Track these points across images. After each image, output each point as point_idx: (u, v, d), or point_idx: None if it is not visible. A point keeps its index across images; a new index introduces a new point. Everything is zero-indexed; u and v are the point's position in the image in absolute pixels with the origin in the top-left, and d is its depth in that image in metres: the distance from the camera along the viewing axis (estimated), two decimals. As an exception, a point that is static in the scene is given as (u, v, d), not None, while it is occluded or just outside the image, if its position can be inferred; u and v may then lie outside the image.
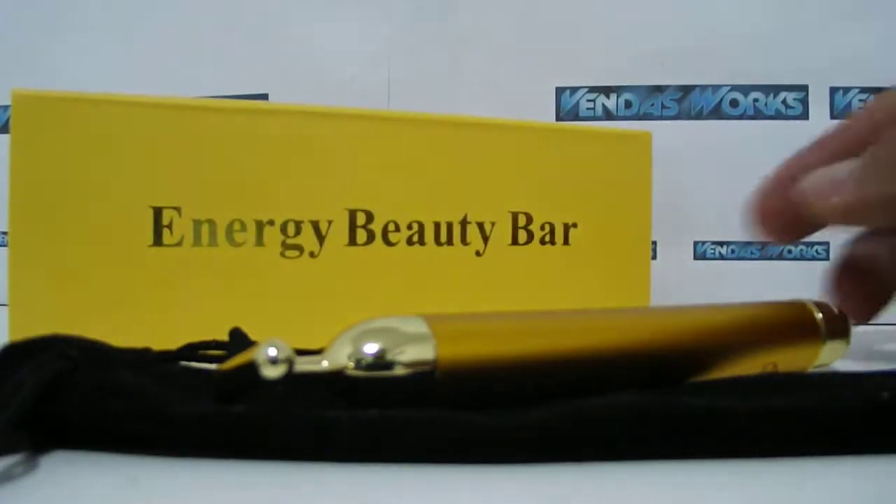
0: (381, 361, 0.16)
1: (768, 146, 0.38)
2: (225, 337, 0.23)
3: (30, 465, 0.15)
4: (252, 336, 0.26)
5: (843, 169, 0.24)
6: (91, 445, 0.16)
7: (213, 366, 0.19)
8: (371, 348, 0.16)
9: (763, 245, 0.38)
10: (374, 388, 0.16)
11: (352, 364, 0.16)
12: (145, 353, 0.20)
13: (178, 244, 0.28)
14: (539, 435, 0.16)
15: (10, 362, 0.16)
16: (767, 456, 0.16)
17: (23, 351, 0.17)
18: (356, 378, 0.16)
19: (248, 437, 0.16)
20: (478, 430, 0.16)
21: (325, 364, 0.17)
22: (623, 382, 0.18)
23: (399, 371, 0.16)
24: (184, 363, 0.21)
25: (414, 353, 0.17)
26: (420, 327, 0.17)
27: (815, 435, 0.16)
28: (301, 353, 0.24)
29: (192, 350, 0.22)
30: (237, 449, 0.16)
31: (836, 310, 0.25)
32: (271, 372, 0.16)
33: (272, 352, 0.16)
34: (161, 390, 0.16)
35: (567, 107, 0.44)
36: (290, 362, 0.16)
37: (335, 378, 0.16)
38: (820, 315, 0.24)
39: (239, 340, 0.24)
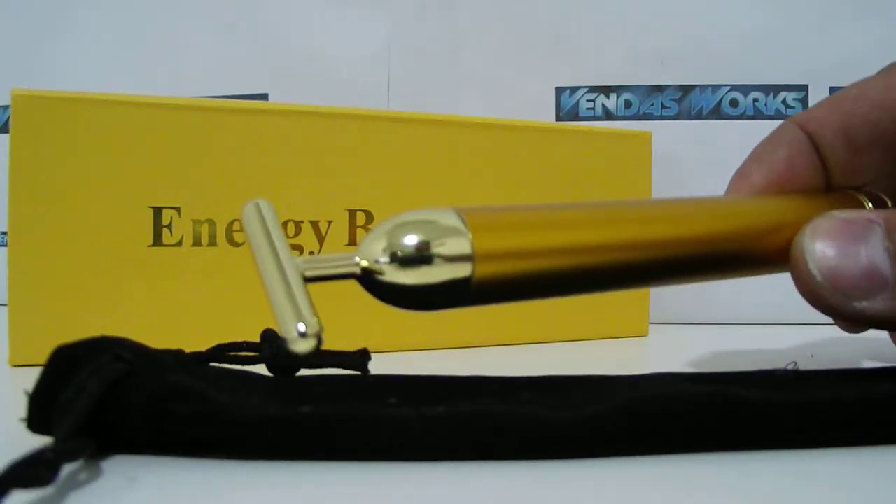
0: (421, 254, 0.16)
1: (768, 146, 0.38)
2: (227, 338, 0.23)
3: (94, 470, 0.15)
4: (256, 337, 0.25)
5: (859, 233, 0.18)
6: (154, 450, 0.16)
7: (245, 367, 0.18)
8: (411, 240, 0.16)
9: None
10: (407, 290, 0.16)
11: (386, 259, 0.16)
12: (180, 354, 0.20)
13: (178, 244, 0.28)
14: (591, 430, 0.16)
15: (63, 366, 0.16)
16: (819, 446, 0.16)
17: (74, 354, 0.16)
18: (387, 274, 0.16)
19: (318, 437, 0.15)
20: (544, 428, 0.16)
21: (357, 260, 0.16)
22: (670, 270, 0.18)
23: (438, 266, 0.16)
24: (215, 365, 0.21)
25: (453, 246, 0.16)
26: (453, 220, 0.16)
27: (864, 426, 0.17)
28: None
29: (223, 351, 0.22)
30: (306, 449, 0.15)
31: (889, 202, 0.22)
32: (301, 346, 0.15)
33: (301, 327, 0.15)
34: (219, 393, 0.16)
35: (567, 106, 0.44)
36: (318, 338, 0.15)
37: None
38: (870, 205, 0.22)
39: (271, 342, 0.24)
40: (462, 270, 0.16)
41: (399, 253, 0.16)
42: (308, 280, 0.16)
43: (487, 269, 0.16)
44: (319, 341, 0.15)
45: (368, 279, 0.16)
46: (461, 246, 0.16)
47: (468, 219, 0.16)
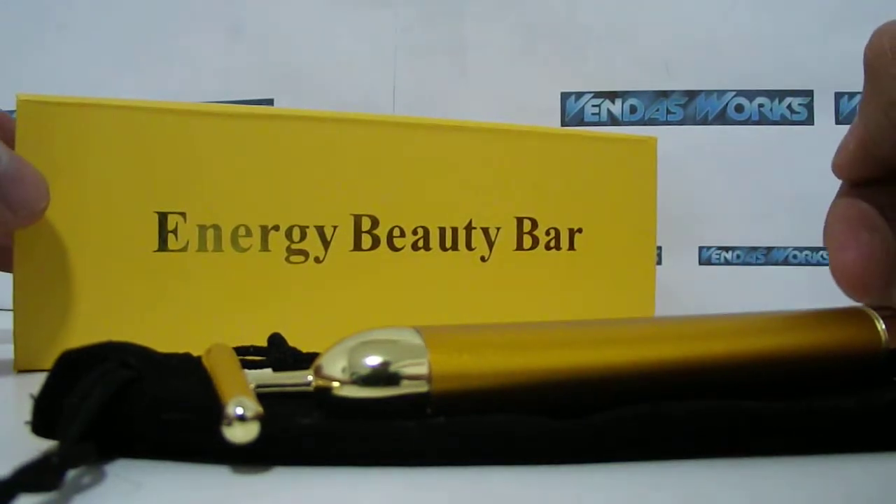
0: (383, 374, 0.16)
1: (773, 151, 0.38)
2: (234, 343, 0.23)
3: (99, 475, 0.15)
4: (262, 342, 0.25)
5: None
6: (159, 455, 0.16)
7: (254, 372, 0.18)
8: (373, 360, 0.16)
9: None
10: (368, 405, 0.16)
11: (347, 378, 0.16)
12: (188, 358, 0.20)
13: (183, 249, 0.28)
14: (603, 435, 0.16)
15: (69, 371, 0.16)
16: (817, 452, 0.17)
17: (80, 360, 0.16)
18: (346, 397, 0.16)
19: (316, 447, 0.16)
20: (547, 432, 0.16)
21: (309, 379, 0.16)
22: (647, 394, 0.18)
23: (402, 385, 0.16)
24: None
25: (413, 367, 0.16)
26: (415, 339, 0.17)
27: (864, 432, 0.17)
28: (302, 356, 0.23)
29: None
30: (303, 459, 0.16)
31: None
32: (239, 432, 0.14)
33: (239, 410, 0.14)
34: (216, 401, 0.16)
35: (572, 112, 0.44)
36: (259, 419, 0.15)
37: (323, 396, 0.16)
38: (882, 325, 0.21)
39: (278, 347, 0.24)
40: (420, 387, 0.16)
41: (359, 373, 0.16)
42: (257, 388, 0.16)
43: (446, 386, 0.16)
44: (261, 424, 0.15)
45: (322, 395, 0.16)
46: (421, 367, 0.16)
47: (428, 339, 0.17)
